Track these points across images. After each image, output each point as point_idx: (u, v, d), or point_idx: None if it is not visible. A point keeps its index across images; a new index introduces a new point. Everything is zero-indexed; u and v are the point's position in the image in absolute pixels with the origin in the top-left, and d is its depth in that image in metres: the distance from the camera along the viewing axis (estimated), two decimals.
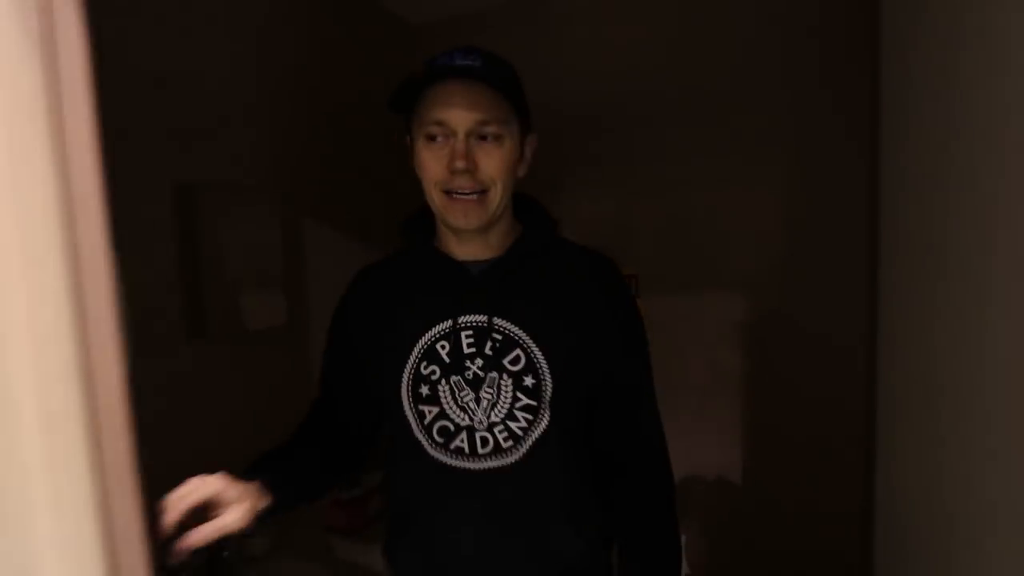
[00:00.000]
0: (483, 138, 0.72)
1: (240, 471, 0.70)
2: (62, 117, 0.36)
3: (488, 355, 0.75)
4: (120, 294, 0.38)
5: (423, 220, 0.83)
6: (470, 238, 0.79)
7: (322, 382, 0.91)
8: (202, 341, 1.30)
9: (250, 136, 1.46)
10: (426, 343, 0.77)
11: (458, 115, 0.70)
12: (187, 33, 1.29)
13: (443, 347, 0.77)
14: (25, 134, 0.34)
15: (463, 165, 0.70)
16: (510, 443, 0.75)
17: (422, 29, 2.17)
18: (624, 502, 0.82)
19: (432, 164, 0.73)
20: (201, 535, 0.61)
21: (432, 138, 0.72)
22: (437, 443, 0.77)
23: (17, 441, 0.34)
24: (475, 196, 0.72)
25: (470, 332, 0.76)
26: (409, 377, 0.78)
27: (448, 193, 0.73)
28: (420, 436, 0.78)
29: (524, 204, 0.84)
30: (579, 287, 0.79)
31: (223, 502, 0.64)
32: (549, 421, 0.75)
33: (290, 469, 0.79)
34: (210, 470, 0.66)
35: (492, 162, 0.72)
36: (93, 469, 0.36)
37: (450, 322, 0.77)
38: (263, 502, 0.69)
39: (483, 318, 0.76)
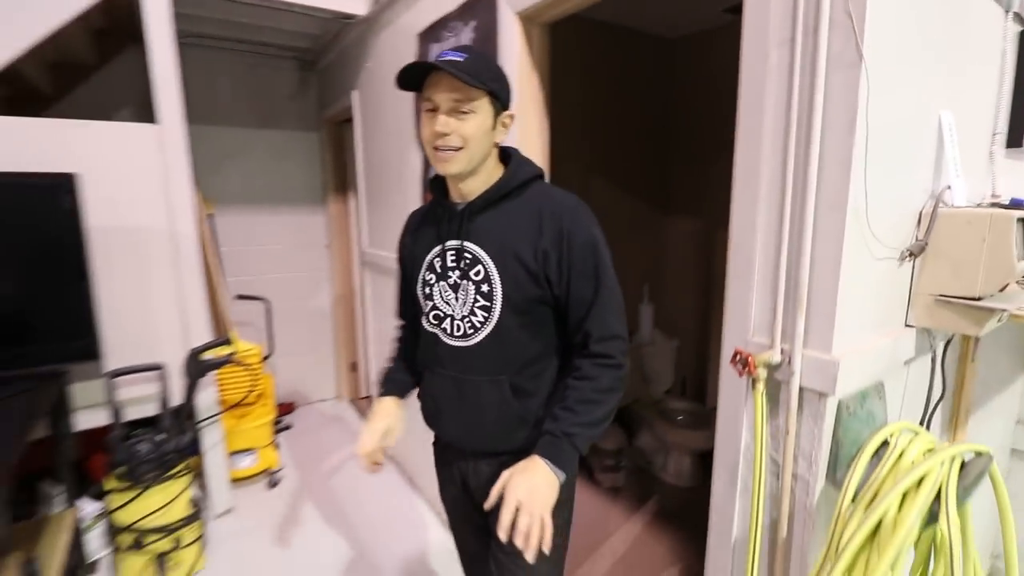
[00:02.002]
0: (461, 112, 0.94)
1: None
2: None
3: (462, 268, 1.02)
4: None
5: (443, 178, 1.07)
6: (458, 184, 1.02)
7: (399, 296, 1.23)
8: None
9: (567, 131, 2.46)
10: (428, 259, 1.08)
11: (440, 95, 0.93)
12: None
13: (437, 261, 1.06)
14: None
15: (441, 129, 0.94)
16: (472, 330, 1.03)
17: (677, 42, 2.95)
18: (574, 371, 1.01)
19: (426, 128, 0.97)
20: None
21: (427, 110, 0.96)
22: (433, 324, 1.09)
23: None
24: (452, 151, 0.95)
25: (452, 252, 1.03)
26: (420, 280, 1.10)
27: (437, 149, 0.96)
28: (426, 319, 1.11)
29: (515, 158, 1.04)
30: (536, 221, 0.98)
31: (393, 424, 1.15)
32: (499, 317, 1.00)
33: (406, 375, 1.22)
34: None
35: (464, 128, 0.94)
36: None
37: (440, 246, 1.05)
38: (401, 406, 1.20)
39: (458, 243, 1.03)
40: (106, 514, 1.95)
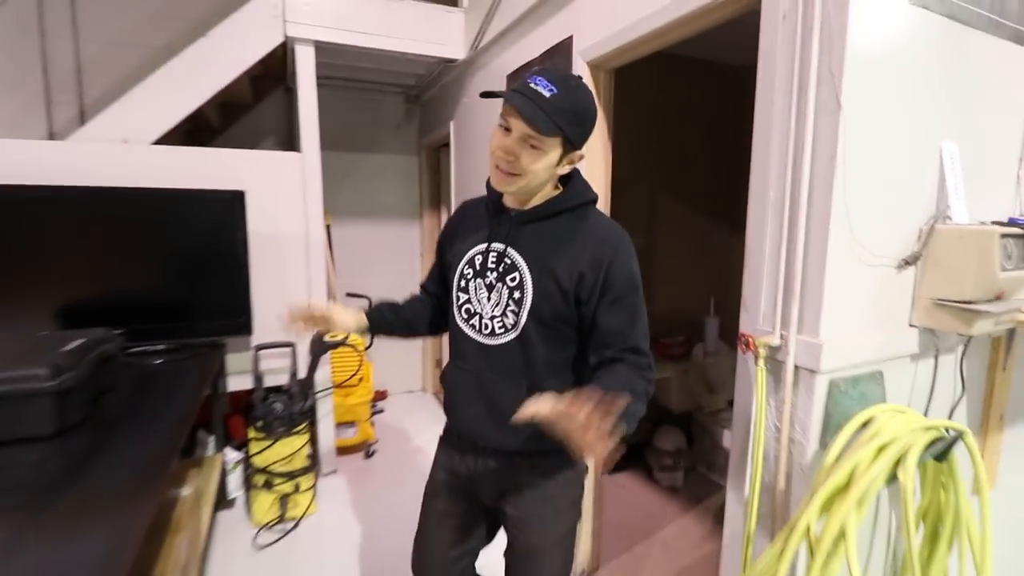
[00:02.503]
0: (530, 146, 0.96)
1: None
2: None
3: (499, 271, 1.06)
4: None
5: None
6: (513, 194, 1.06)
7: (430, 272, 1.31)
8: None
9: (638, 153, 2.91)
10: (471, 255, 1.11)
11: (515, 123, 0.96)
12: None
13: (478, 259, 1.10)
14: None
15: (503, 155, 0.98)
16: (502, 330, 1.07)
17: (744, 68, 3.16)
18: (604, 369, 1.02)
19: (495, 144, 1.00)
20: (315, 321, 1.21)
21: (502, 127, 0.99)
22: (463, 318, 1.12)
23: None
24: (510, 175, 0.99)
25: (495, 254, 1.07)
26: (458, 273, 1.13)
27: (498, 166, 1.00)
28: (457, 311, 1.14)
29: (574, 181, 1.09)
30: (579, 245, 1.02)
31: (335, 317, 1.21)
32: (524, 325, 1.04)
33: (391, 315, 1.29)
34: None
35: (528, 160, 0.97)
36: None
37: (485, 245, 1.09)
38: (363, 324, 1.26)
39: (502, 247, 1.07)
40: (244, 460, 2.46)
